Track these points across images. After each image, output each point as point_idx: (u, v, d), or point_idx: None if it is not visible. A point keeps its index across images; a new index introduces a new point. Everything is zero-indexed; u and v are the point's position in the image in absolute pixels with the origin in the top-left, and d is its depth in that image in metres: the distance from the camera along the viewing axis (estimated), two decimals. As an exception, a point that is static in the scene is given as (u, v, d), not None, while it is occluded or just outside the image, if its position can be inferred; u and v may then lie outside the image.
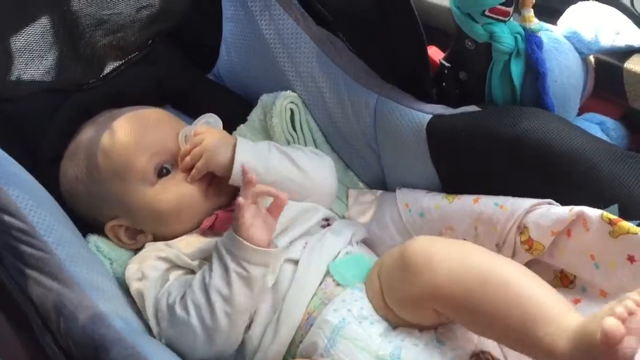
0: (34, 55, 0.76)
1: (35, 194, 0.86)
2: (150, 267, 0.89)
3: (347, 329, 0.80)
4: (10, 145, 0.91)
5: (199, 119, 0.97)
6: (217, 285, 0.81)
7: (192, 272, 0.90)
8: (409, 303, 0.78)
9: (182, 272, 0.90)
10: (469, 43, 0.91)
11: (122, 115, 0.97)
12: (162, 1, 0.85)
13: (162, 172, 0.95)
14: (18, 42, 0.74)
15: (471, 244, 0.81)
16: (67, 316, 0.78)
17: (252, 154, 0.94)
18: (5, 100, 0.91)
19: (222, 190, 0.96)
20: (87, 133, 0.98)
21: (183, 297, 0.84)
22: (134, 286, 0.89)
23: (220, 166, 0.94)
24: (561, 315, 0.66)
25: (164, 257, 0.90)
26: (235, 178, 0.93)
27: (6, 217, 0.81)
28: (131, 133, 0.95)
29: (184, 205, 0.95)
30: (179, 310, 0.82)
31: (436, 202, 0.93)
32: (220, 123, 0.98)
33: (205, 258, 0.90)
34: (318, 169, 1.00)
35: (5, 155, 0.87)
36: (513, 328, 0.68)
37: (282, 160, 0.97)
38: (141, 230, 0.97)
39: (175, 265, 0.91)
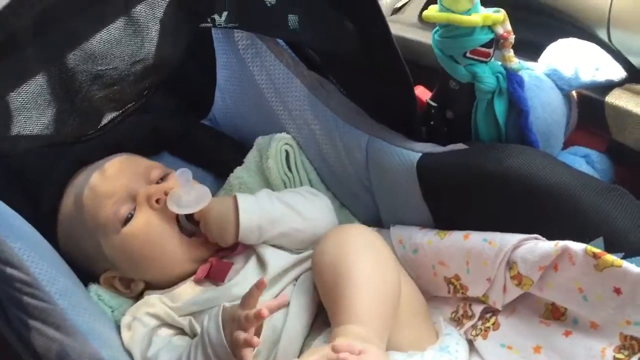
0: (32, 112, 0.79)
1: (36, 245, 0.88)
2: (139, 322, 0.91)
3: None
4: (11, 196, 0.93)
5: (177, 177, 0.94)
6: None
7: (182, 330, 0.91)
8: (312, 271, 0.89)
9: (172, 332, 0.91)
10: (453, 83, 0.94)
11: (92, 169, 1.00)
12: (157, 54, 0.88)
13: (127, 220, 0.95)
14: (16, 100, 0.77)
15: (364, 236, 0.90)
16: (70, 366, 0.80)
17: (255, 211, 0.94)
18: (4, 157, 0.94)
19: (206, 241, 0.97)
20: (69, 189, 1.01)
21: None
22: (124, 338, 0.90)
23: (231, 241, 0.94)
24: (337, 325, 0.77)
25: (153, 313, 0.92)
26: (243, 237, 0.94)
27: (9, 270, 0.82)
28: (95, 185, 0.97)
29: (155, 245, 0.95)
30: None
31: (429, 239, 0.95)
32: (190, 174, 0.95)
33: (200, 311, 0.91)
34: (318, 211, 1.02)
35: (7, 208, 0.89)
36: (328, 310, 0.82)
37: (285, 210, 0.97)
38: (132, 279, 0.98)
39: (164, 323, 0.92)
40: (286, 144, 1.11)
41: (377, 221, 1.09)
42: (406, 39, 1.26)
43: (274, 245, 0.97)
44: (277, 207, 0.97)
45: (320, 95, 1.09)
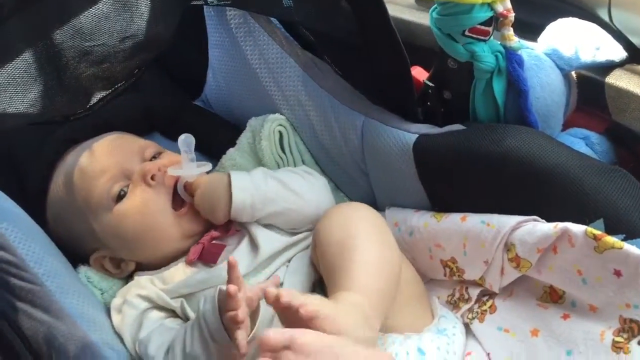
0: (17, 89, 0.77)
1: (24, 226, 0.86)
2: (129, 305, 0.89)
3: None
4: (1, 179, 0.91)
5: (180, 143, 0.95)
6: (199, 356, 0.79)
7: (174, 312, 0.90)
8: (313, 245, 0.90)
9: (163, 314, 0.90)
10: (452, 62, 0.92)
11: (83, 147, 0.98)
12: (147, 31, 0.86)
13: (120, 196, 0.94)
14: (1, 77, 0.74)
15: (370, 216, 0.90)
16: (58, 348, 0.78)
17: (249, 189, 0.93)
18: (-8, 135, 0.92)
19: (197, 214, 0.95)
20: (59, 168, 0.99)
21: (166, 356, 0.82)
22: (114, 320, 0.89)
23: (222, 212, 0.93)
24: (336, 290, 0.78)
25: (144, 295, 0.90)
26: (235, 214, 0.93)
27: (-4, 251, 0.81)
28: (86, 163, 0.95)
29: (149, 223, 0.93)
30: None
31: (425, 221, 0.94)
32: (193, 140, 0.96)
33: (191, 293, 0.90)
34: (315, 191, 1.00)
35: (-5, 189, 0.88)
36: (330, 283, 0.82)
37: (279, 189, 0.96)
38: (122, 258, 0.97)
39: (155, 305, 0.90)
40: (280, 124, 1.09)
41: (371, 203, 1.07)
42: (403, 20, 1.24)
43: (267, 227, 0.95)
44: (272, 185, 0.96)
45: (314, 75, 1.07)
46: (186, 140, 0.94)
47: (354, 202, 0.98)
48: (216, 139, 1.14)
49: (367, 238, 0.83)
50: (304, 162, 1.10)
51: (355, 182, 1.08)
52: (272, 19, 1.10)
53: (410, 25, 1.22)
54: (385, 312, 0.79)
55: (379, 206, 1.06)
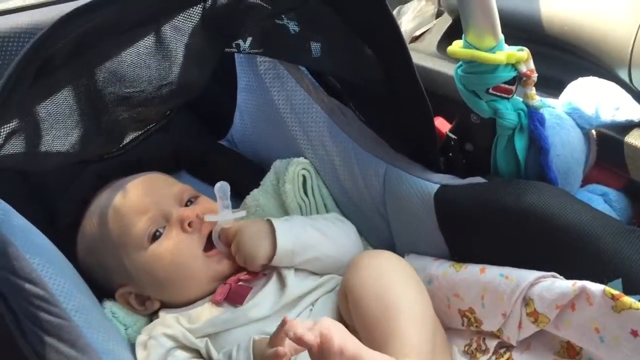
0: (61, 132, 0.80)
1: (55, 261, 0.89)
2: (155, 343, 0.91)
3: None
4: (30, 211, 0.93)
5: (216, 190, 0.98)
6: None
7: (198, 352, 0.91)
8: (341, 294, 0.91)
9: (187, 355, 0.91)
10: (474, 117, 0.95)
11: (122, 185, 1.01)
12: (183, 78, 0.89)
13: (155, 237, 0.96)
14: (47, 121, 0.78)
15: (401, 265, 0.91)
16: (83, 384, 0.80)
17: (291, 238, 0.96)
18: (29, 174, 0.95)
19: (226, 257, 0.98)
20: (93, 204, 1.02)
21: None
22: (139, 357, 0.91)
23: (263, 260, 0.95)
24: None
25: (170, 334, 0.92)
26: (277, 260, 0.95)
27: (27, 285, 0.82)
28: (127, 201, 0.98)
29: (180, 267, 0.95)
30: None
31: (444, 270, 0.95)
32: (228, 188, 0.99)
33: (216, 333, 0.92)
34: (347, 238, 1.04)
35: (28, 223, 0.89)
36: (373, 341, 0.81)
37: (317, 236, 0.99)
38: (148, 296, 0.99)
39: (181, 345, 0.92)
40: (303, 168, 1.12)
41: (390, 249, 1.09)
42: (425, 68, 1.27)
43: (296, 270, 0.97)
44: (310, 232, 0.99)
45: (339, 122, 1.10)
46: (222, 187, 0.97)
47: (380, 251, 0.99)
48: (241, 179, 1.16)
49: (406, 291, 0.85)
50: (326, 206, 1.13)
51: (375, 227, 1.10)
52: (300, 66, 1.13)
53: (431, 74, 1.25)
54: None
55: (397, 252, 1.07)
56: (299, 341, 0.72)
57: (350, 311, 0.88)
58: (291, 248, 0.95)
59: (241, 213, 0.99)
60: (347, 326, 0.90)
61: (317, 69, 1.11)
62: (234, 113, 1.24)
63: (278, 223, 0.97)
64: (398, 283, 0.86)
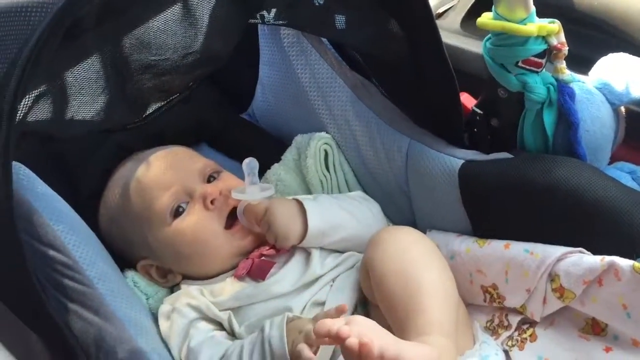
0: (86, 98, 0.80)
1: (79, 230, 0.89)
2: (178, 313, 0.91)
3: None
4: (54, 180, 0.94)
5: (244, 166, 0.98)
6: None
7: (220, 324, 0.92)
8: (362, 270, 0.90)
9: (211, 326, 0.91)
10: (502, 92, 0.93)
11: (146, 157, 1.00)
12: (208, 48, 0.89)
13: (177, 212, 0.96)
14: (73, 86, 0.78)
15: (423, 241, 0.90)
16: (106, 350, 0.80)
17: (321, 219, 0.95)
18: (54, 140, 0.95)
19: (248, 232, 0.97)
20: (117, 175, 1.02)
21: None
22: (162, 327, 0.91)
23: (293, 242, 0.94)
24: (417, 335, 0.77)
25: (194, 305, 0.92)
26: (307, 241, 0.94)
27: (51, 252, 0.83)
28: (150, 175, 0.97)
29: (202, 244, 0.95)
30: None
31: (467, 246, 0.94)
32: (257, 164, 0.99)
33: (238, 307, 0.92)
34: (372, 217, 1.03)
35: (52, 191, 0.90)
36: (396, 317, 0.82)
37: (345, 216, 0.98)
38: (170, 269, 0.99)
39: (204, 316, 0.92)
40: (325, 143, 1.11)
41: (411, 225, 1.08)
42: (448, 45, 1.23)
43: (321, 248, 0.97)
44: (338, 213, 0.98)
45: (362, 96, 1.09)
46: (250, 163, 0.97)
47: (401, 227, 0.98)
48: (262, 153, 1.15)
49: (429, 265, 0.84)
50: (347, 182, 1.12)
51: (397, 204, 1.09)
52: (323, 40, 1.12)
53: (455, 51, 1.23)
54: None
55: (418, 229, 1.06)
56: (337, 341, 0.71)
57: (371, 287, 0.87)
58: (322, 230, 0.94)
59: (270, 191, 0.98)
60: (367, 302, 0.91)
61: (341, 42, 1.10)
62: (255, 87, 1.23)
63: (308, 203, 0.96)
64: (420, 259, 0.85)
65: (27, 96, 0.71)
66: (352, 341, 0.69)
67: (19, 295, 0.79)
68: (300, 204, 0.96)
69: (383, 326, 0.85)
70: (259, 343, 0.81)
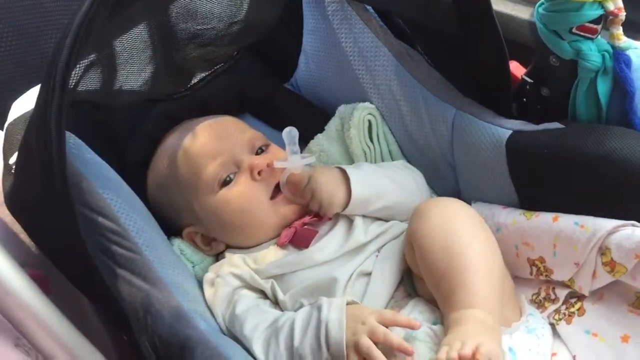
0: (134, 68, 0.81)
1: (127, 197, 0.91)
2: (222, 281, 0.92)
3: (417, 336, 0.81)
4: (102, 149, 0.95)
5: (284, 135, 0.98)
6: (305, 355, 0.79)
7: (263, 294, 0.92)
8: (406, 241, 0.88)
9: (254, 295, 0.92)
10: (554, 59, 0.91)
11: (195, 126, 1.00)
12: (253, 16, 0.88)
13: (225, 182, 0.97)
14: (122, 56, 0.78)
15: (468, 212, 0.88)
16: (154, 315, 0.82)
17: (365, 186, 0.95)
18: (102, 109, 0.97)
19: (291, 202, 0.97)
20: (165, 143, 1.03)
21: (262, 338, 0.83)
22: (206, 294, 0.92)
23: (339, 207, 0.94)
24: (460, 309, 0.76)
25: (237, 274, 0.93)
26: (351, 209, 0.94)
27: (100, 219, 0.85)
28: (199, 143, 0.98)
29: (247, 214, 0.96)
30: (257, 350, 0.83)
31: (514, 218, 0.93)
32: (297, 133, 0.99)
33: (281, 274, 0.92)
34: (415, 185, 1.02)
35: (101, 160, 0.92)
36: (440, 291, 0.81)
37: (389, 184, 0.98)
38: (214, 238, 1.00)
39: (247, 285, 0.93)
40: (369, 113, 1.10)
41: (456, 196, 1.07)
42: (497, 12, 1.20)
43: (363, 216, 0.96)
44: (382, 180, 0.98)
45: (407, 65, 1.07)
46: (291, 133, 0.97)
47: (447, 198, 0.96)
48: (305, 123, 1.14)
49: (474, 238, 0.83)
50: (390, 153, 1.11)
51: (441, 175, 1.08)
52: (368, 7, 1.10)
53: (504, 18, 1.20)
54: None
55: (463, 200, 1.05)
56: None
57: (415, 259, 0.87)
58: (366, 197, 0.94)
59: (311, 159, 0.98)
60: (411, 273, 0.90)
61: (386, 8, 1.08)
62: (298, 56, 1.22)
63: (351, 171, 0.96)
64: (465, 231, 0.84)
65: (78, 65, 0.72)
66: None
67: (71, 261, 0.81)
68: (343, 171, 0.96)
69: (426, 293, 0.87)
70: (314, 323, 0.80)
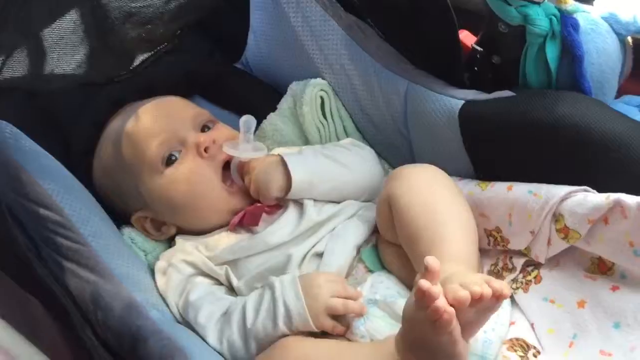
0: (65, 50, 0.78)
1: (70, 186, 0.88)
2: (174, 269, 0.90)
3: (376, 310, 0.81)
4: (44, 138, 0.92)
5: (241, 123, 0.95)
6: (258, 335, 0.79)
7: (217, 280, 0.91)
8: (381, 205, 0.88)
9: (208, 281, 0.90)
10: (502, 26, 0.89)
11: (137, 108, 0.98)
12: (192, -8, 0.85)
13: (170, 160, 0.94)
14: (50, 38, 0.75)
15: (445, 180, 0.88)
16: (103, 307, 0.80)
17: (305, 169, 0.93)
18: (39, 95, 0.93)
19: (244, 190, 0.95)
20: (109, 128, 1.00)
21: (217, 326, 0.82)
22: (159, 283, 0.90)
23: (277, 191, 0.92)
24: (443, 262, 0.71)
25: (190, 261, 0.91)
26: (295, 193, 0.92)
27: (42, 210, 0.83)
28: (141, 124, 0.95)
29: (197, 193, 0.93)
30: (211, 337, 0.82)
31: (469, 190, 0.92)
32: (254, 122, 0.97)
33: (235, 260, 0.90)
34: (364, 162, 1.01)
35: (40, 148, 0.89)
36: (418, 247, 0.80)
37: (331, 165, 0.96)
38: (164, 221, 0.97)
39: (200, 272, 0.91)
40: (321, 90, 1.08)
41: (413, 170, 1.06)
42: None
43: (314, 200, 0.94)
44: (323, 161, 0.96)
45: (357, 39, 1.05)
46: (248, 121, 0.94)
47: (424, 164, 0.93)
48: (257, 103, 1.13)
49: (454, 200, 0.83)
50: (345, 128, 1.09)
51: (396, 148, 1.07)
52: (315, -20, 1.08)
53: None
54: None
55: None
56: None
57: (390, 221, 0.86)
58: (307, 179, 0.92)
59: (262, 152, 0.95)
60: (381, 239, 0.90)
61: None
62: (247, 35, 1.19)
63: (289, 156, 0.94)
64: (446, 193, 0.85)
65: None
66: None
67: (10, 258, 0.78)
68: (282, 158, 0.94)
69: (393, 262, 0.88)
70: (267, 301, 0.80)
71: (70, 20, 0.76)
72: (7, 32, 0.67)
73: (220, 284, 0.92)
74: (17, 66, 0.73)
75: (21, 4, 0.61)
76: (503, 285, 0.67)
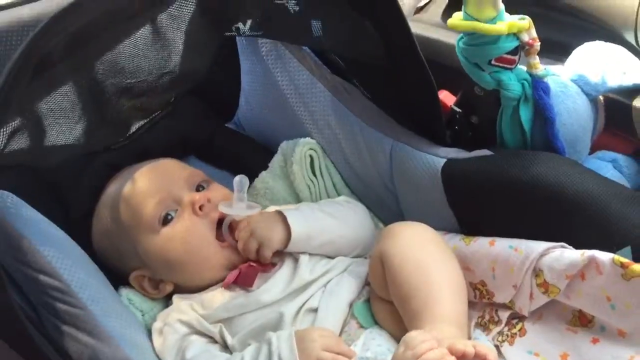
0: (64, 126, 0.81)
1: (68, 251, 0.90)
2: (170, 329, 0.92)
3: None
4: (43, 203, 0.95)
5: (235, 183, 0.99)
6: None
7: (212, 339, 0.93)
8: (374, 263, 0.90)
9: (204, 340, 0.93)
10: (478, 90, 0.94)
11: (134, 171, 1.01)
12: (184, 66, 0.90)
13: (166, 220, 0.97)
14: (49, 117, 0.79)
15: (436, 239, 0.91)
16: (102, 371, 0.82)
17: (303, 222, 0.96)
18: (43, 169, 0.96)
19: (237, 248, 0.98)
20: (106, 192, 1.03)
21: None
22: (155, 344, 0.92)
23: (278, 244, 0.96)
24: (432, 323, 0.79)
25: (185, 321, 0.93)
26: (293, 246, 0.96)
27: (42, 277, 0.84)
28: (137, 186, 0.98)
29: (192, 251, 0.96)
30: None
31: (454, 244, 0.95)
32: (247, 182, 1.00)
33: (229, 318, 0.93)
34: (358, 218, 1.04)
35: (40, 215, 0.91)
36: (410, 307, 0.83)
37: (327, 219, 1.00)
38: (161, 279, 1.00)
39: (196, 331, 0.93)
40: (310, 148, 1.11)
41: (401, 224, 1.09)
42: (429, 39, 1.25)
43: (309, 254, 0.98)
44: (319, 215, 1.00)
45: (343, 99, 1.10)
46: (241, 181, 0.98)
47: (416, 222, 0.96)
48: (249, 161, 1.17)
49: (445, 262, 0.86)
50: (334, 185, 1.13)
51: (384, 204, 1.10)
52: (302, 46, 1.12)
53: (436, 44, 1.23)
54: None
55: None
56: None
57: (382, 278, 0.88)
58: (306, 232, 0.96)
59: (256, 210, 0.99)
60: (374, 295, 0.92)
61: (319, 48, 1.10)
62: (239, 96, 1.23)
63: (288, 211, 0.98)
64: (438, 252, 0.88)
65: (1, 134, 0.72)
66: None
67: (8, 325, 0.80)
68: (280, 212, 0.98)
69: (386, 318, 0.90)
70: (264, 355, 0.82)
71: (68, 99, 0.80)
72: (10, 113, 0.71)
73: (215, 342, 0.94)
74: (18, 145, 0.76)
75: (23, 87, 0.65)
76: (488, 351, 0.71)
